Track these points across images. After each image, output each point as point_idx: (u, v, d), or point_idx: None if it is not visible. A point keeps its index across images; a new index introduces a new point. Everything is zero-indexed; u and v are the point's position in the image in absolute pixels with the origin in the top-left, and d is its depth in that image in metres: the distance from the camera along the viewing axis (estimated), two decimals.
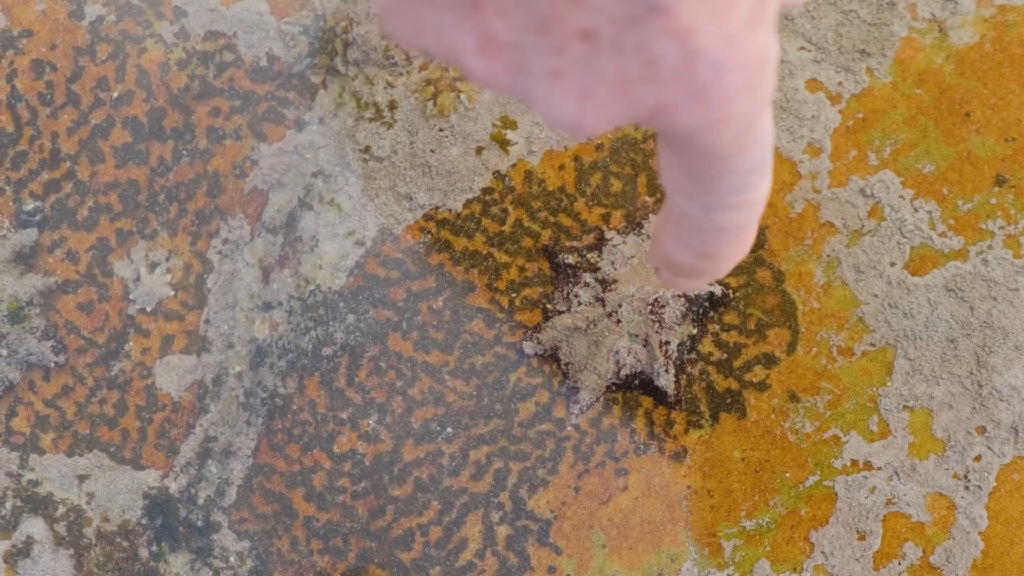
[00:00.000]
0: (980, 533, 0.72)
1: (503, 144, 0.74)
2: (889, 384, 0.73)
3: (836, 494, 0.72)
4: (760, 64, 0.27)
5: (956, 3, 0.73)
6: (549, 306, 0.74)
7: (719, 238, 0.32)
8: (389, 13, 0.27)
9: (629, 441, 0.73)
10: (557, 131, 0.28)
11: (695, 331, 0.73)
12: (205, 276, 0.74)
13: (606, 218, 0.74)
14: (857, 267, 0.73)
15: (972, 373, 0.72)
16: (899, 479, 0.72)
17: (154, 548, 0.73)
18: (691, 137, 0.28)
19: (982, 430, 0.72)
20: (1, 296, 0.73)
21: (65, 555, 0.73)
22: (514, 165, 0.74)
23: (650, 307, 0.72)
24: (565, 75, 0.26)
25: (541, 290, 0.74)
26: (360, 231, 0.74)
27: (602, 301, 0.72)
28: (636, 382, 0.73)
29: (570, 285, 0.73)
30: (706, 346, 0.73)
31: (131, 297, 0.74)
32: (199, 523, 0.73)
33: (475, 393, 0.73)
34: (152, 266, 0.74)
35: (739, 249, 0.33)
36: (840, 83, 0.73)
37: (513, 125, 0.74)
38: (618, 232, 0.73)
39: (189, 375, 0.74)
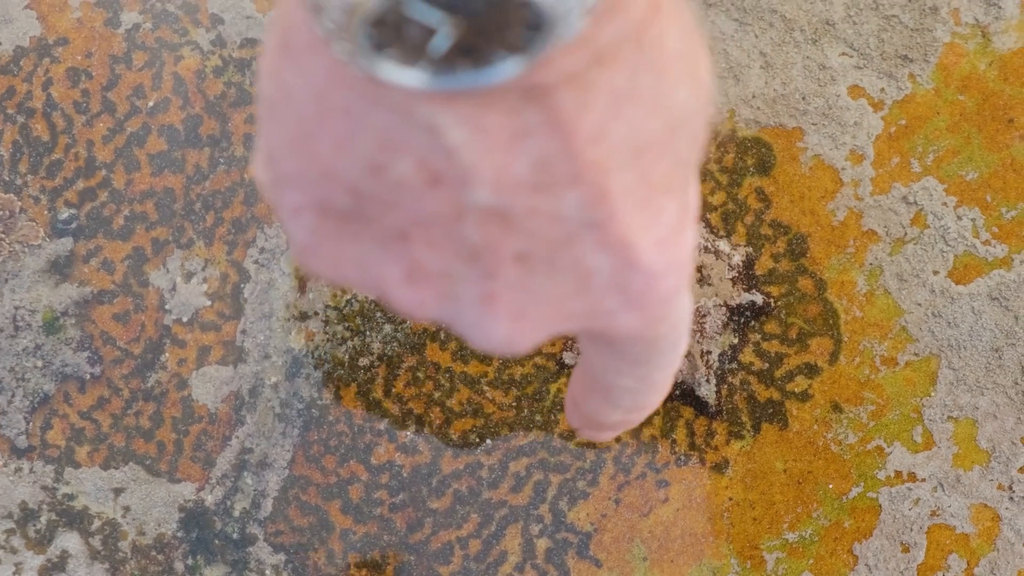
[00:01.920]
0: None
1: None
2: (933, 394, 0.72)
3: (880, 506, 0.71)
4: (687, 261, 0.27)
5: (1000, 8, 0.73)
6: None
7: (652, 391, 0.32)
8: (307, 252, 0.26)
9: (670, 452, 0.72)
10: (484, 350, 0.27)
11: (736, 341, 0.72)
12: (242, 286, 0.73)
13: None
14: (900, 275, 0.72)
15: (1017, 383, 0.71)
16: (943, 490, 0.71)
17: (189, 561, 0.72)
18: (628, 338, 0.28)
19: None
20: (36, 307, 0.72)
21: (100, 569, 0.72)
22: None
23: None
24: (497, 298, 0.25)
25: None
26: None
27: None
28: (677, 392, 0.72)
29: None
30: (747, 356, 0.72)
31: (167, 307, 0.73)
32: (235, 536, 0.72)
33: (514, 404, 0.73)
34: (188, 276, 0.73)
35: (666, 392, 0.33)
36: (882, 89, 0.73)
37: None
38: None
39: (225, 386, 0.73)
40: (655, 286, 0.26)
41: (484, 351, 0.26)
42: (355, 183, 0.24)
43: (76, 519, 0.73)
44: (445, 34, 0.21)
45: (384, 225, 0.25)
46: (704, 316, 0.71)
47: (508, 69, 0.21)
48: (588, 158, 0.23)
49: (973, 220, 0.72)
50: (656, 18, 0.23)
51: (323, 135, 0.24)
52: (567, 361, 0.72)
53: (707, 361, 0.71)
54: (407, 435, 0.73)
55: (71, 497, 0.73)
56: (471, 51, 0.21)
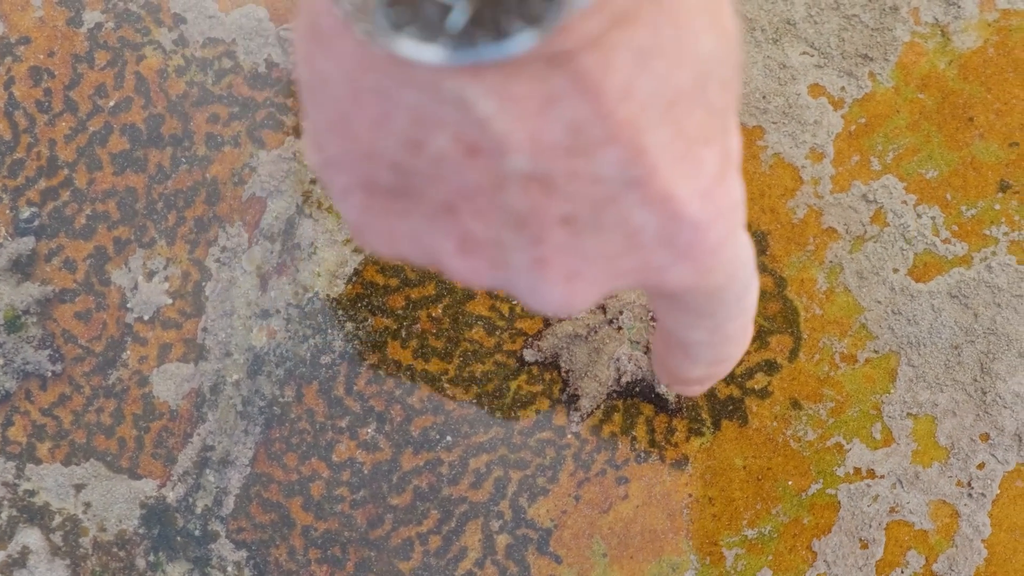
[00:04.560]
0: (983, 541, 0.71)
1: None
2: (892, 391, 0.72)
3: (839, 502, 0.72)
4: (735, 208, 0.27)
5: (959, 7, 0.73)
6: None
7: (728, 343, 0.32)
8: (362, 230, 0.27)
9: (630, 449, 0.73)
10: (543, 313, 0.28)
11: None
12: (203, 284, 0.74)
13: None
14: (860, 273, 0.72)
15: (976, 380, 0.72)
16: (902, 487, 0.72)
17: (151, 558, 0.73)
18: (684, 290, 0.28)
19: (986, 437, 0.71)
20: None
21: (61, 565, 0.73)
22: None
23: (651, 314, 0.71)
24: (548, 262, 0.26)
25: None
26: None
27: (603, 308, 0.72)
28: (637, 389, 0.72)
29: None
30: None
31: (129, 305, 0.73)
32: (197, 533, 0.73)
33: (475, 401, 0.73)
34: (150, 274, 0.73)
35: (746, 342, 0.33)
36: (843, 88, 0.73)
37: None
38: None
39: (187, 383, 0.73)
40: (702, 237, 0.26)
41: (542, 313, 0.27)
42: (396, 160, 0.25)
43: (37, 515, 0.73)
44: (461, 10, 0.21)
45: (431, 199, 0.25)
46: None
47: (526, 40, 0.22)
48: (620, 117, 0.23)
49: (933, 218, 0.72)
50: None
51: (359, 116, 0.24)
52: (527, 358, 0.73)
53: None
54: (368, 432, 0.73)
55: (32, 493, 0.73)
56: (490, 23, 0.22)
